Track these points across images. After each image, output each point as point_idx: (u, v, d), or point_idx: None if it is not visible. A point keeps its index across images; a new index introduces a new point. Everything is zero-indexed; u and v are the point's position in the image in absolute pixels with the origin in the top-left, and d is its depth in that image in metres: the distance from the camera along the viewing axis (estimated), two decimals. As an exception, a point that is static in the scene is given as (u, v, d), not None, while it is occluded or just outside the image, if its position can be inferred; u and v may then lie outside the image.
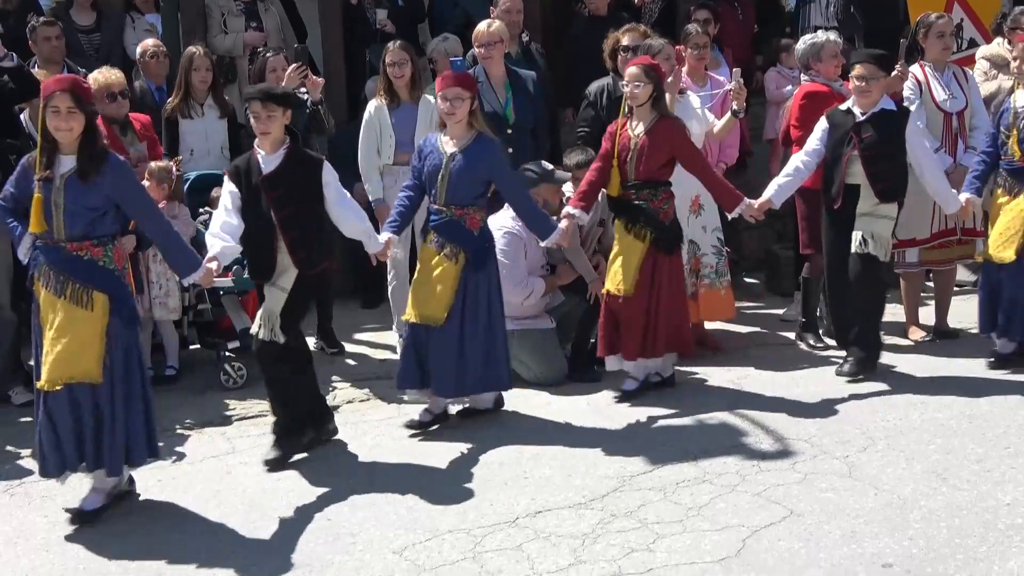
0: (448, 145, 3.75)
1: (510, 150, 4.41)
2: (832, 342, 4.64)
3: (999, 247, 4.16)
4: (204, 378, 4.64)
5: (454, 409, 4.10)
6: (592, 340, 4.40)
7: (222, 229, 3.47)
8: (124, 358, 3.12)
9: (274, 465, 3.61)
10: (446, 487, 3.67)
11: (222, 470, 3.74)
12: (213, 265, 3.37)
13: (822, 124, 4.24)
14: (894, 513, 3.31)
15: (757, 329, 5.27)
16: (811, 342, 4.66)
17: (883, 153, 3.99)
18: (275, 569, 3.09)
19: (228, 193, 3.55)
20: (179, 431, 4.14)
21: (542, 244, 4.07)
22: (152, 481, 3.59)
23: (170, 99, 4.80)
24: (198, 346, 4.83)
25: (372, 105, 4.65)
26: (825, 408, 4.16)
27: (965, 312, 4.81)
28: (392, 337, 4.76)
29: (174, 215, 4.33)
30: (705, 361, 4.65)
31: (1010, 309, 4.09)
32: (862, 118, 4.06)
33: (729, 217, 4.20)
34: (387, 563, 3.13)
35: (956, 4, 5.05)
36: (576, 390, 4.45)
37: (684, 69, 4.55)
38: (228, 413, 4.33)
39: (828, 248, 4.24)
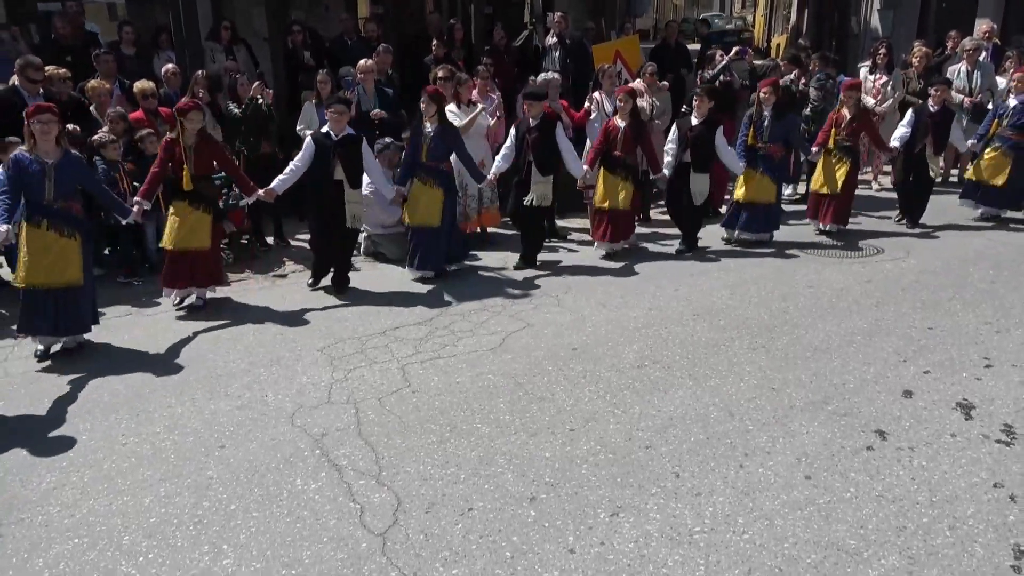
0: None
1: (377, 132, 7.32)
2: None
3: None
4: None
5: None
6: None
7: None
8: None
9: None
10: (346, 313, 5.85)
11: (217, 306, 6.04)
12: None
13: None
14: (577, 321, 5.52)
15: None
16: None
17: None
18: (252, 362, 4.90)
19: None
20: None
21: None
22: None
23: (183, 99, 7.34)
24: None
25: (306, 104, 7.51)
26: (548, 274, 6.70)
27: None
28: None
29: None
30: (490, 249, 7.44)
31: None
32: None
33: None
34: (314, 357, 5.03)
35: (618, 59, 8.43)
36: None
37: (476, 89, 7.56)
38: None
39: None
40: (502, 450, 3.86)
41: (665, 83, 8.32)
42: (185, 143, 5.83)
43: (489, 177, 6.85)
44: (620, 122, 7.04)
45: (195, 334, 5.50)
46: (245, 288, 6.52)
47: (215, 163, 6.04)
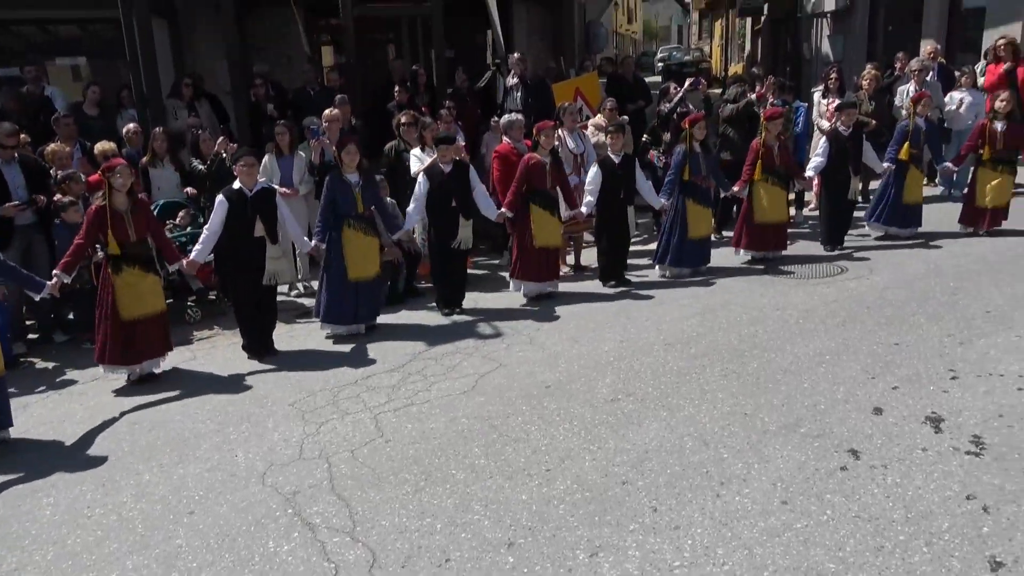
0: None
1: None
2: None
3: None
4: (174, 316, 6.54)
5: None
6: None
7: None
8: None
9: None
10: (317, 364, 5.73)
11: (185, 365, 6.01)
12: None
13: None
14: (550, 358, 5.61)
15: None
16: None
17: None
18: (222, 421, 4.85)
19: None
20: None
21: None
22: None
23: (144, 158, 7.49)
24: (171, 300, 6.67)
25: (267, 157, 7.36)
26: (520, 312, 6.76)
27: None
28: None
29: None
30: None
31: None
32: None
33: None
34: (285, 411, 4.99)
35: (578, 96, 8.67)
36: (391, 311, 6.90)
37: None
38: (191, 337, 6.73)
39: None
40: (478, 496, 3.81)
41: (625, 117, 8.46)
42: (118, 208, 5.48)
43: (405, 230, 6.78)
44: (545, 157, 6.92)
45: (162, 396, 5.39)
46: (213, 345, 6.44)
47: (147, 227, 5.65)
